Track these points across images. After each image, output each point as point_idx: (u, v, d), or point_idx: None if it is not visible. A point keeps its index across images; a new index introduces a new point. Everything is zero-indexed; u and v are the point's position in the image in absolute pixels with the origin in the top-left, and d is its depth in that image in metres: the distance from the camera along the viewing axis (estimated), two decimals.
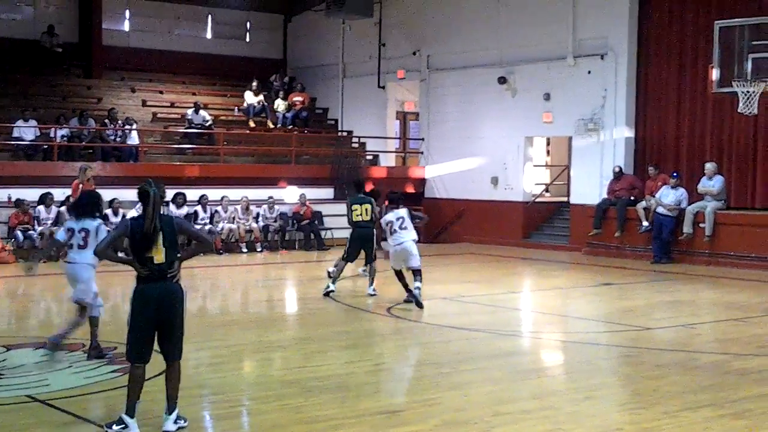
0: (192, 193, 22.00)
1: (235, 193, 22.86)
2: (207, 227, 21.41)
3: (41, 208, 20.19)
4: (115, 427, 7.09)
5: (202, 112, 25.69)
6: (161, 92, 28.02)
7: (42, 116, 23.83)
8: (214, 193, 22.50)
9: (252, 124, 27.44)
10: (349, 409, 8.01)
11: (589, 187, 23.11)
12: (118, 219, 21.03)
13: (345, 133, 29.03)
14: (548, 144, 27.92)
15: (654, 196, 20.80)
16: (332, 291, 14.87)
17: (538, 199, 25.42)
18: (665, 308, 14.80)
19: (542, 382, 9.47)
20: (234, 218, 22.49)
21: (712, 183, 20.35)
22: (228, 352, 10.76)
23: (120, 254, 7.68)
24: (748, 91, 17.64)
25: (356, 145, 28.22)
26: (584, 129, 23.20)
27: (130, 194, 21.72)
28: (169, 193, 21.66)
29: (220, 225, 22.06)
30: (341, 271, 15.24)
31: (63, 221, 19.92)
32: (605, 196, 22.25)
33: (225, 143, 25.58)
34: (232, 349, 10.94)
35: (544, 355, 11.41)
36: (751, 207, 20.78)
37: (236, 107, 28.10)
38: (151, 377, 7.56)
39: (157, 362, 7.39)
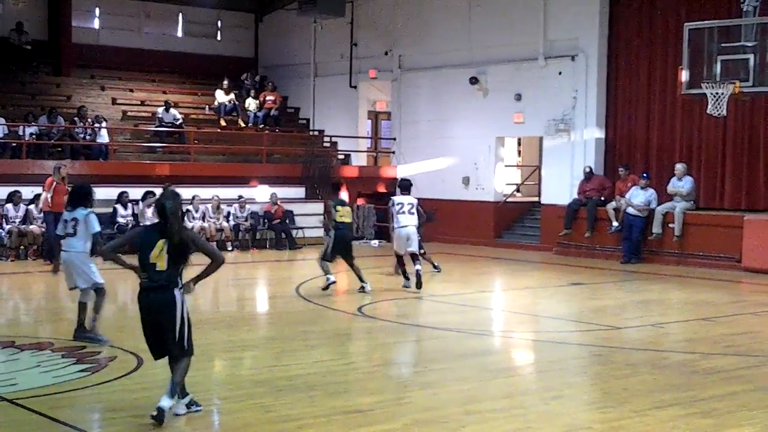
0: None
1: (206, 192, 22.76)
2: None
3: (9, 206, 20.01)
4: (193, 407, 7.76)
5: (172, 111, 25.54)
6: (131, 90, 27.85)
7: (11, 114, 23.61)
8: (185, 192, 21.91)
9: (223, 123, 27.33)
10: (319, 408, 8.00)
11: (559, 188, 23.21)
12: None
13: (316, 133, 28.98)
14: (519, 144, 28.00)
15: (624, 197, 20.93)
16: (333, 282, 15.26)
17: (509, 199, 25.49)
18: (635, 308, 14.89)
19: (512, 381, 9.50)
20: (205, 217, 22.40)
21: (681, 183, 20.50)
22: (198, 351, 10.65)
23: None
24: (717, 93, 17.76)
25: (328, 145, 28.18)
26: (555, 129, 23.30)
27: (102, 193, 21.73)
28: (140, 192, 21.61)
29: (192, 224, 21.93)
30: (327, 267, 15.37)
31: (32, 219, 19.84)
32: (576, 196, 22.36)
33: (196, 142, 25.46)
34: (202, 349, 10.83)
35: (514, 354, 11.45)
36: (720, 207, 20.93)
37: (207, 106, 27.97)
38: (113, 379, 7.50)
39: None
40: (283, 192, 24.39)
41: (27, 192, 20.24)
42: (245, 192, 23.77)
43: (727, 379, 9.48)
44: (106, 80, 27.76)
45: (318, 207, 24.85)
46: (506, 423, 7.68)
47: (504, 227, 24.85)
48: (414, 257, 15.55)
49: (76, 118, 23.63)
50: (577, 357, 10.88)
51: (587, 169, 22.26)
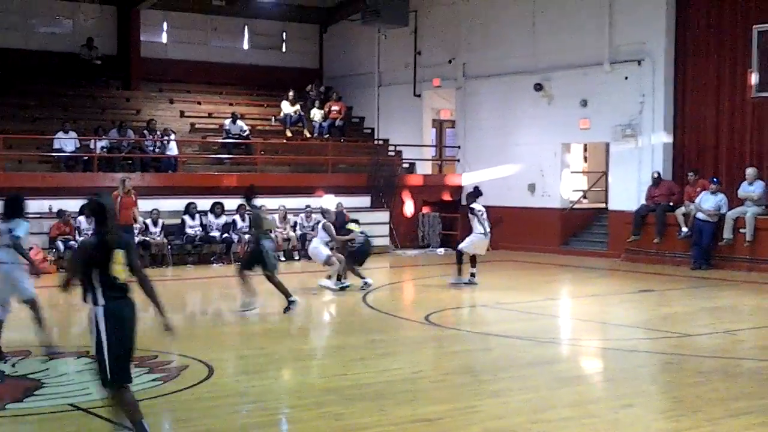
0: (230, 203, 22.14)
1: (272, 203, 22.93)
2: (246, 236, 21.48)
3: (82, 218, 20.39)
4: None
5: (239, 122, 25.84)
6: (199, 103, 28.24)
7: (82, 128, 24.07)
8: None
9: (289, 133, 27.55)
10: (388, 417, 8.02)
11: (627, 193, 22.98)
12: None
13: (381, 142, 29.08)
14: (585, 150, 27.78)
15: (693, 202, 20.64)
16: (368, 282, 16.69)
17: (575, 206, 25.30)
18: (706, 315, 14.67)
19: (582, 389, 9.42)
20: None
21: (752, 188, 20.14)
22: (267, 360, 10.82)
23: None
24: None
25: (392, 154, 28.25)
26: (622, 135, 23.08)
27: (170, 204, 22.04)
28: (207, 203, 21.91)
29: None
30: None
31: None
32: (644, 202, 22.10)
33: (262, 153, 25.72)
34: (272, 357, 10.99)
35: (583, 362, 11.35)
36: None
37: (273, 117, 28.23)
38: (185, 388, 7.57)
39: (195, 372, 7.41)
40: (349, 201, 24.49)
41: None
42: (311, 201, 23.92)
43: None
44: (175, 93, 28.19)
45: (384, 215, 24.99)
46: None
47: (570, 234, 24.67)
48: (474, 260, 17.35)
49: (145, 131, 24.04)
50: (647, 365, 10.76)
51: (655, 175, 21.99)
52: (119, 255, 6.86)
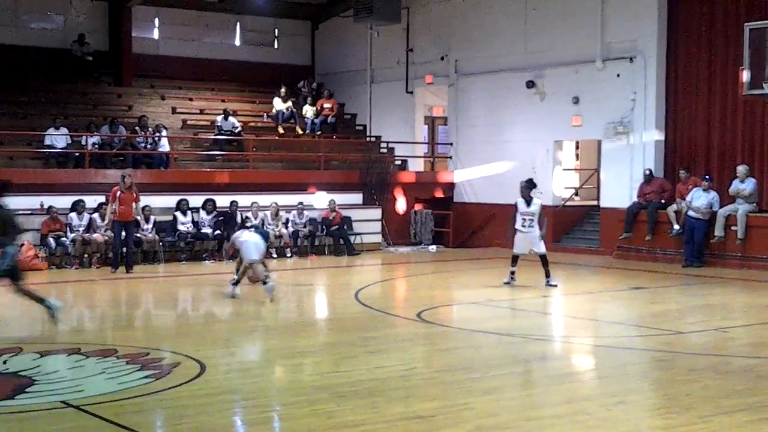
0: (222, 200, 22.12)
1: (264, 199, 22.94)
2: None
3: (73, 215, 20.35)
4: None
5: (231, 119, 25.80)
6: (191, 99, 28.19)
7: (73, 124, 24.02)
8: (243, 199, 22.58)
9: (281, 130, 27.53)
10: (380, 415, 8.02)
11: (619, 191, 23.01)
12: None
13: (373, 139, 29.07)
14: (577, 147, 27.81)
15: (685, 199, 20.67)
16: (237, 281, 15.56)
17: (567, 203, 25.33)
18: (697, 312, 14.70)
19: (574, 386, 9.43)
20: (264, 224, 22.55)
21: (744, 185, 20.18)
22: (259, 357, 10.80)
23: None
24: None
25: (385, 151, 28.25)
26: (614, 132, 23.12)
27: (162, 201, 22.02)
28: (199, 200, 21.88)
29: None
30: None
31: (95, 227, 20.18)
32: (635, 199, 22.14)
33: (254, 149, 25.69)
34: (264, 355, 10.97)
35: (575, 359, 11.36)
36: None
37: (265, 113, 28.20)
38: (177, 385, 7.57)
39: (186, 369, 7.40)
40: (341, 198, 24.51)
41: (90, 201, 20.61)
42: (303, 198, 23.91)
43: None
44: (166, 90, 28.15)
45: (376, 213, 24.98)
46: (568, 429, 7.63)
47: (562, 231, 24.68)
48: (515, 259, 17.46)
49: (137, 128, 23.99)
50: (639, 362, 10.77)
51: (647, 172, 22.03)
52: None
